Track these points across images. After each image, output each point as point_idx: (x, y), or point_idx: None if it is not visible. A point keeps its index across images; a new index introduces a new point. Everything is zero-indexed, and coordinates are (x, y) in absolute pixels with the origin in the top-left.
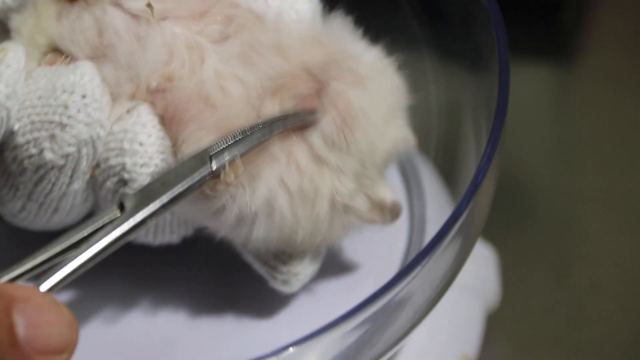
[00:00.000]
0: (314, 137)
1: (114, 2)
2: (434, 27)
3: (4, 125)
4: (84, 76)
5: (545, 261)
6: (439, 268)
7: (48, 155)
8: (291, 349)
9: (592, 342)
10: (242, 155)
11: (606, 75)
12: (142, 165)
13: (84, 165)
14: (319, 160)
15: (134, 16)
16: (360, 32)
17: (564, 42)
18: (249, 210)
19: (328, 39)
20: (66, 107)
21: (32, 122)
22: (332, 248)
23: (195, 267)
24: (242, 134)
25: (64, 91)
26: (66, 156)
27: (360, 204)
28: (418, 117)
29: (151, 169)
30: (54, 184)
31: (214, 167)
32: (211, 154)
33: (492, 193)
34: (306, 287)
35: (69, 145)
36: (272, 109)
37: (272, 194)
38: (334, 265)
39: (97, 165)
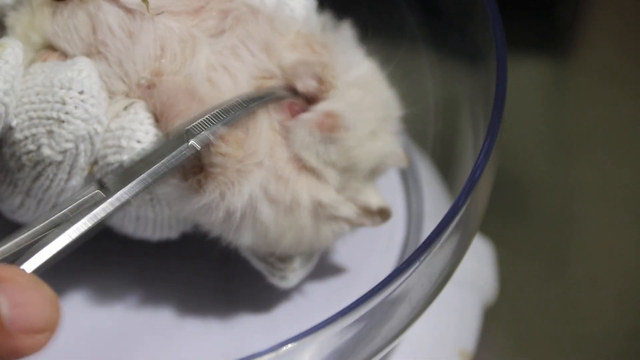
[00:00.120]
0: (296, 144)
1: None
2: (431, 22)
3: (2, 121)
4: (82, 72)
5: (542, 256)
6: (436, 264)
7: (46, 151)
8: (289, 345)
9: (589, 336)
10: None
11: (602, 70)
12: None
13: (82, 161)
14: (301, 168)
15: (129, 11)
16: (359, 35)
17: (560, 37)
18: (235, 211)
19: (325, 45)
20: (64, 103)
21: (30, 118)
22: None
23: (194, 263)
24: (220, 110)
25: (62, 87)
26: (64, 152)
27: (347, 212)
28: (416, 113)
29: None
30: (52, 180)
31: (191, 143)
32: (187, 129)
33: (490, 188)
34: (304, 283)
35: (67, 141)
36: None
37: (255, 199)
38: (331, 261)
39: (95, 163)
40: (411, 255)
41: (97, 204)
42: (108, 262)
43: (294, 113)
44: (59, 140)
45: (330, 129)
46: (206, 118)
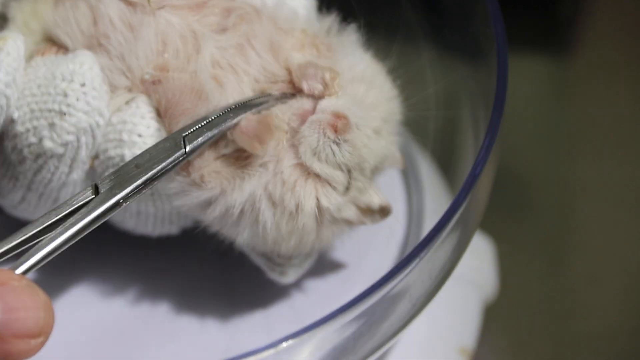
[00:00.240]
0: (306, 151)
1: None
2: (432, 20)
3: (4, 114)
4: (83, 65)
5: (542, 253)
6: (437, 260)
7: (47, 144)
8: (289, 342)
9: (590, 333)
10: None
11: (602, 67)
12: None
13: (83, 154)
14: (308, 175)
15: (130, 4)
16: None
17: (560, 34)
18: (234, 208)
19: (330, 47)
20: (65, 95)
21: (32, 111)
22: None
23: (193, 259)
24: (217, 116)
25: (63, 79)
26: (65, 144)
27: (349, 213)
28: (416, 110)
29: None
30: (53, 174)
31: (188, 150)
32: (184, 135)
33: (490, 185)
34: (303, 279)
35: (68, 133)
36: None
37: (258, 201)
38: (331, 257)
39: (96, 156)
40: (411, 251)
41: (92, 209)
42: (108, 257)
43: (303, 117)
44: (61, 133)
45: (341, 131)
46: (204, 124)
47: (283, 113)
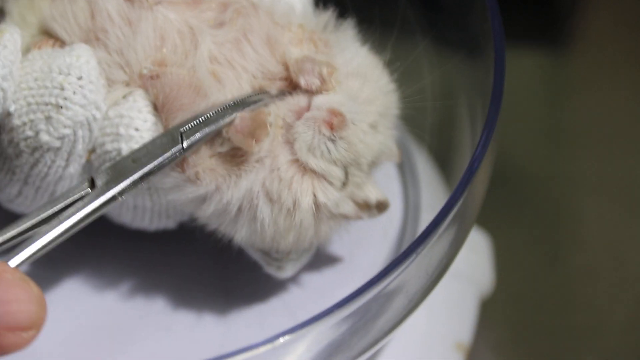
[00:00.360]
0: (302, 148)
1: None
2: (429, 14)
3: (0, 107)
4: (80, 58)
5: (539, 248)
6: (433, 256)
7: (44, 137)
8: (286, 337)
9: (586, 328)
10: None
11: (600, 61)
12: None
13: (80, 147)
14: (304, 171)
15: None
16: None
17: (558, 28)
18: (230, 204)
19: (327, 43)
20: (62, 88)
21: (28, 104)
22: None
23: (190, 252)
24: (214, 113)
25: (60, 73)
26: (62, 138)
27: (346, 208)
28: (413, 104)
29: None
30: (50, 167)
31: (185, 146)
32: (182, 131)
33: (487, 181)
34: (300, 273)
35: (65, 126)
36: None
37: (255, 197)
38: (328, 252)
39: (93, 150)
40: (408, 247)
41: (88, 202)
42: (102, 251)
43: (298, 114)
44: (57, 126)
45: (336, 128)
46: (202, 121)
47: (279, 109)
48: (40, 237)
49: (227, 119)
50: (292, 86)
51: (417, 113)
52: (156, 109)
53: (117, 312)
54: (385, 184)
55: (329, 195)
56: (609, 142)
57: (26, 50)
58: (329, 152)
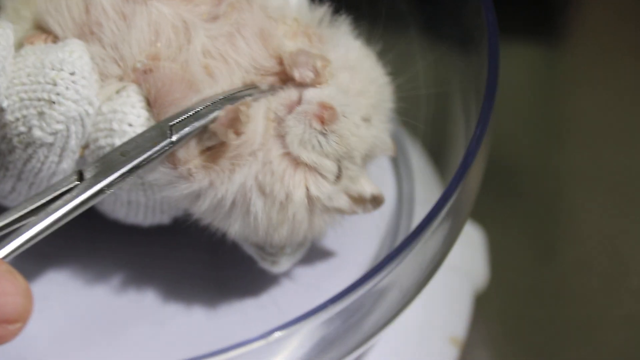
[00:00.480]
0: (293, 141)
1: None
2: (424, 8)
3: None
4: (73, 53)
5: (533, 241)
6: (427, 251)
7: (37, 133)
8: (279, 333)
9: (580, 321)
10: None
11: (594, 55)
12: None
13: (73, 143)
14: (297, 164)
15: None
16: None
17: (552, 22)
18: (224, 200)
19: (321, 38)
20: (55, 84)
21: (21, 100)
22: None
23: (183, 247)
24: (204, 107)
25: (53, 68)
26: (55, 133)
27: (341, 202)
28: (407, 99)
29: None
30: (43, 163)
31: (174, 139)
32: (171, 125)
33: (481, 175)
34: (293, 268)
35: (58, 122)
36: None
37: (248, 191)
38: (322, 246)
39: (87, 146)
40: (402, 242)
41: (76, 195)
42: (96, 246)
43: (290, 107)
44: (50, 122)
45: (327, 122)
46: (191, 115)
47: (270, 102)
48: (28, 230)
49: (217, 114)
50: (283, 81)
51: (411, 107)
52: (149, 104)
53: (110, 306)
54: (379, 179)
55: (322, 189)
56: (603, 135)
57: (19, 46)
58: (321, 145)
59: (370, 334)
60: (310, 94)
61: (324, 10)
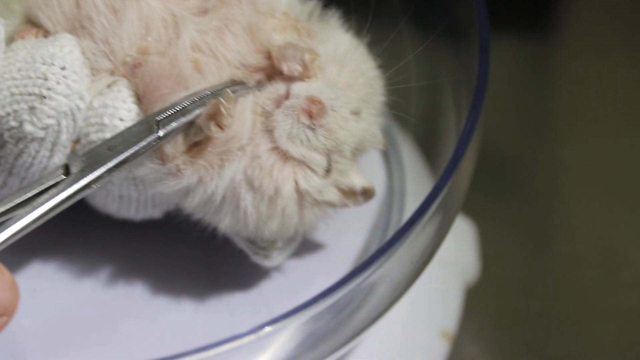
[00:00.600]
0: (281, 136)
1: None
2: (414, 1)
3: None
4: (64, 48)
5: (524, 234)
6: (418, 245)
7: (28, 128)
8: (270, 327)
9: (572, 314)
10: (189, 123)
11: (585, 47)
12: None
13: (64, 138)
14: (286, 158)
15: None
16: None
17: (543, 15)
18: (214, 195)
19: (310, 32)
20: (45, 78)
21: (12, 94)
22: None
23: (175, 242)
24: (191, 102)
25: (44, 63)
26: (46, 128)
27: (331, 196)
28: (398, 92)
29: None
30: (34, 158)
31: (161, 134)
32: (158, 120)
33: (472, 168)
34: (285, 262)
35: (49, 117)
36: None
37: (238, 186)
38: (313, 240)
39: (78, 141)
40: (392, 236)
41: (62, 189)
42: (88, 241)
43: (277, 102)
44: (41, 116)
45: (315, 116)
46: (178, 110)
47: (258, 97)
48: (13, 224)
49: (203, 109)
50: (271, 78)
51: (402, 100)
52: (139, 99)
53: (99, 300)
54: (370, 172)
55: (311, 182)
56: (595, 129)
57: (10, 40)
58: (309, 140)
59: (360, 329)
60: (298, 88)
61: (313, 4)
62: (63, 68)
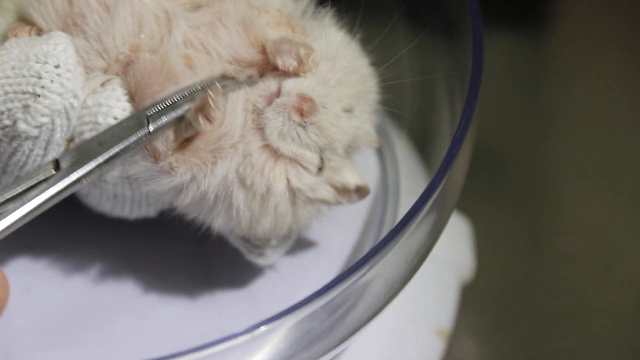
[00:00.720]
0: (272, 134)
1: None
2: None
3: None
4: (58, 46)
5: (519, 232)
6: (413, 243)
7: (22, 126)
8: (265, 326)
9: (568, 312)
10: (180, 118)
11: (580, 44)
12: None
13: (58, 136)
14: (274, 153)
15: None
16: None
17: (537, 10)
18: (207, 193)
19: (303, 30)
20: (39, 77)
21: (6, 93)
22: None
23: (170, 240)
24: (181, 97)
25: (37, 61)
26: (40, 127)
27: (324, 193)
28: (392, 89)
29: None
30: (28, 156)
31: (151, 129)
32: (149, 115)
33: (467, 166)
34: (279, 261)
35: (43, 115)
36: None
37: (230, 184)
38: (307, 238)
39: (72, 139)
40: (387, 235)
41: (52, 184)
42: (81, 239)
43: (269, 99)
44: (35, 115)
45: (307, 114)
46: (169, 105)
47: (249, 94)
48: (3, 219)
49: (194, 104)
50: (262, 73)
51: (396, 97)
52: (132, 97)
53: (92, 297)
54: (364, 170)
55: (303, 180)
56: (590, 125)
57: (3, 38)
58: (300, 137)
59: (355, 328)
60: (289, 85)
61: (307, 1)
62: (57, 66)
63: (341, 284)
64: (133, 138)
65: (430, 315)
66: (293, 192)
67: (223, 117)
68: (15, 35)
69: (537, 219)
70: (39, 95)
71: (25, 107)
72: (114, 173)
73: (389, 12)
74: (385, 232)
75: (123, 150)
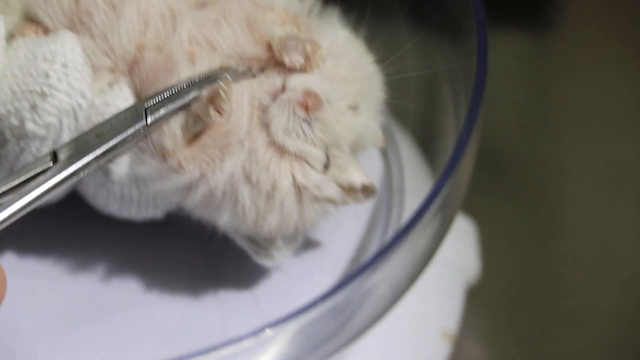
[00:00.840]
0: (278, 130)
1: None
2: None
3: None
4: (65, 45)
5: (524, 233)
6: (418, 246)
7: (29, 126)
8: (270, 330)
9: (573, 313)
10: (178, 110)
11: (584, 43)
12: None
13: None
14: (280, 150)
15: None
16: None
17: (541, 10)
18: (215, 190)
19: (309, 28)
20: (47, 76)
21: (13, 92)
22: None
23: (176, 241)
24: (180, 89)
25: (45, 60)
26: (47, 126)
27: (331, 192)
28: (396, 89)
29: None
30: (35, 156)
31: (149, 121)
32: (146, 107)
33: (471, 167)
34: (284, 262)
35: (50, 115)
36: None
37: (236, 180)
38: (312, 239)
39: None
40: (392, 237)
41: (49, 177)
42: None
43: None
44: (42, 115)
45: (311, 109)
46: (167, 97)
47: (254, 91)
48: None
49: (193, 95)
50: (263, 68)
51: (401, 98)
52: (138, 96)
53: (98, 300)
54: (368, 170)
55: (309, 177)
56: (594, 125)
57: (9, 37)
58: (305, 133)
59: (360, 330)
60: (294, 81)
61: (312, 0)
62: (64, 65)
63: (346, 286)
64: (131, 130)
65: (436, 318)
66: (299, 190)
67: (230, 112)
68: (22, 35)
69: (542, 220)
70: (46, 95)
71: (33, 106)
72: (121, 173)
73: (394, 9)
74: (389, 233)
75: (121, 143)
